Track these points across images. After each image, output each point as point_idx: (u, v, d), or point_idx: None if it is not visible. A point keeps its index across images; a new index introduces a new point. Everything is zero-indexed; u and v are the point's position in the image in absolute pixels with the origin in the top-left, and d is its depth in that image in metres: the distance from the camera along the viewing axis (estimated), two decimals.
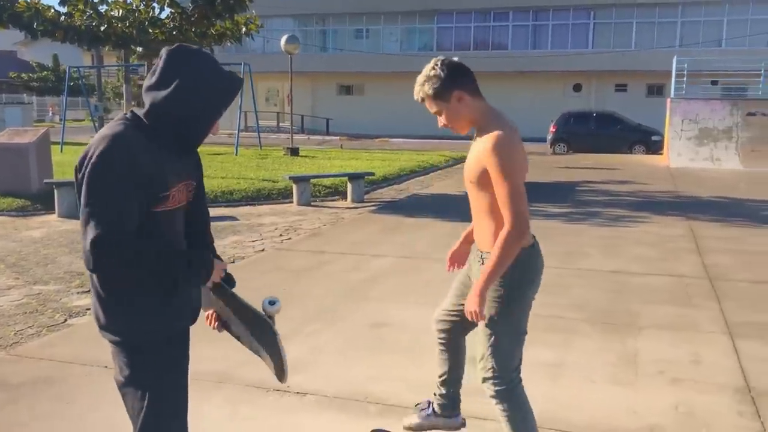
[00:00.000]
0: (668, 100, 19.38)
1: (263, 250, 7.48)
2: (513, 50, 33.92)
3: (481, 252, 2.71)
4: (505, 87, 33.35)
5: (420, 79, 2.60)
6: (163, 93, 1.95)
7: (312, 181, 11.56)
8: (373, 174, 12.74)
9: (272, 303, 2.26)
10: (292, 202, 10.97)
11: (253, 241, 7.92)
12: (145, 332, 2.07)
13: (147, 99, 1.99)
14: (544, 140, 23.89)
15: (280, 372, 2.29)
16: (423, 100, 2.63)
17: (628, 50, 31.91)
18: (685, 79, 19.53)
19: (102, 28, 14.76)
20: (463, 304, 2.76)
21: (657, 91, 32.06)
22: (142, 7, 15.15)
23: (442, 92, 2.56)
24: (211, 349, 3.69)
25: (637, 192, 12.26)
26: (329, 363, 4.14)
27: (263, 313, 2.25)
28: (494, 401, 2.73)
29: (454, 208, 10.30)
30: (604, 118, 24.18)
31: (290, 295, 5.51)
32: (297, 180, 11.01)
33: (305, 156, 19.10)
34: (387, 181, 14.02)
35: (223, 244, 7.66)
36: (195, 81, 1.96)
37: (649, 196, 11.76)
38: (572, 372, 4.03)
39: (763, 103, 18.52)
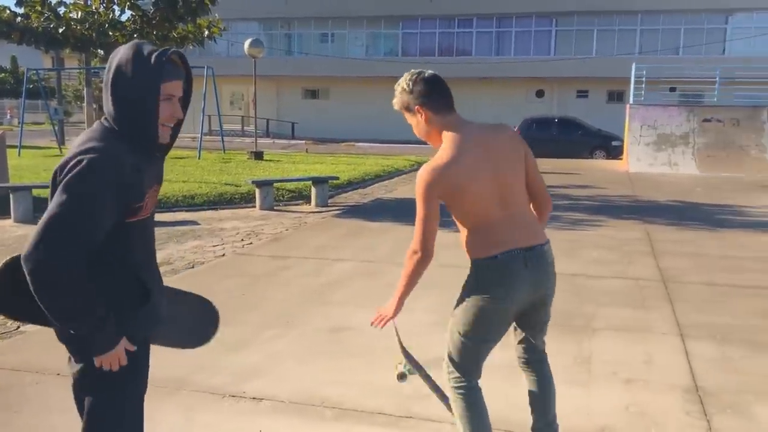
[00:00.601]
0: (627, 106, 19.76)
1: (224, 255, 7.42)
2: (477, 56, 34.25)
3: None
4: (470, 93, 33.63)
5: (395, 89, 2.70)
6: (110, 97, 1.97)
7: (276, 185, 11.52)
8: (337, 178, 12.73)
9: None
10: (254, 206, 10.91)
11: (213, 246, 7.85)
12: None
13: (106, 106, 2.00)
14: None
15: (215, 316, 2.29)
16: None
17: (589, 57, 32.46)
18: (643, 85, 19.95)
19: (60, 30, 14.51)
20: (525, 332, 2.92)
21: (617, 97, 32.67)
22: (102, 9, 14.94)
23: (408, 106, 2.66)
24: (164, 356, 3.64)
25: (596, 196, 12.48)
26: (286, 368, 4.13)
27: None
28: (449, 393, 2.84)
29: None
30: (566, 123, 24.53)
31: (249, 301, 5.48)
32: (260, 184, 10.96)
33: (269, 160, 19.00)
34: (351, 185, 14.03)
35: (183, 249, 7.58)
36: (122, 74, 1.95)
37: (607, 200, 11.97)
38: (517, 373, 4.07)
39: (718, 110, 19.01)
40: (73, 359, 2.07)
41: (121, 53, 1.99)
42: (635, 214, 10.47)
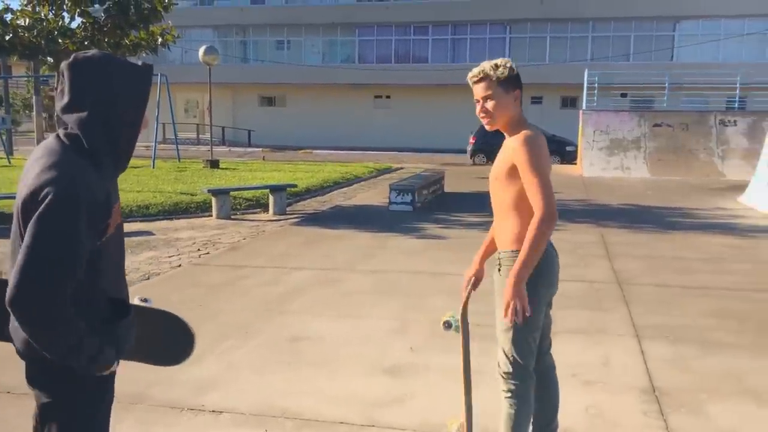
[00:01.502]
0: (581, 111, 20.15)
1: (180, 265, 7.30)
2: (433, 63, 34.51)
3: (499, 253, 2.82)
4: (426, 99, 33.92)
5: (490, 63, 2.70)
6: (85, 111, 1.84)
7: (232, 193, 11.39)
8: (295, 186, 12.66)
9: (145, 300, 2.24)
10: (211, 215, 10.76)
11: (169, 257, 7.72)
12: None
13: (71, 122, 1.85)
14: (464, 152, 24.36)
15: (188, 333, 2.23)
16: (481, 79, 2.69)
17: (543, 64, 33.01)
18: (596, 91, 20.37)
19: (7, 38, 14.12)
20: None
21: (570, 103, 33.28)
22: (51, 16, 14.59)
23: (508, 83, 2.69)
24: (120, 370, 3.56)
25: None
26: (245, 379, 4.07)
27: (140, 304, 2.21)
28: (505, 395, 2.83)
29: (377, 219, 10.36)
30: None
31: (206, 312, 5.40)
32: (216, 193, 10.82)
33: (226, 168, 18.79)
34: (310, 192, 13.97)
35: (138, 261, 7.43)
36: (109, 87, 1.85)
37: (562, 205, 12.15)
38: (488, 377, 4.10)
39: (667, 115, 19.52)
40: (36, 381, 1.96)
41: (104, 65, 1.87)
42: (590, 217, 10.66)
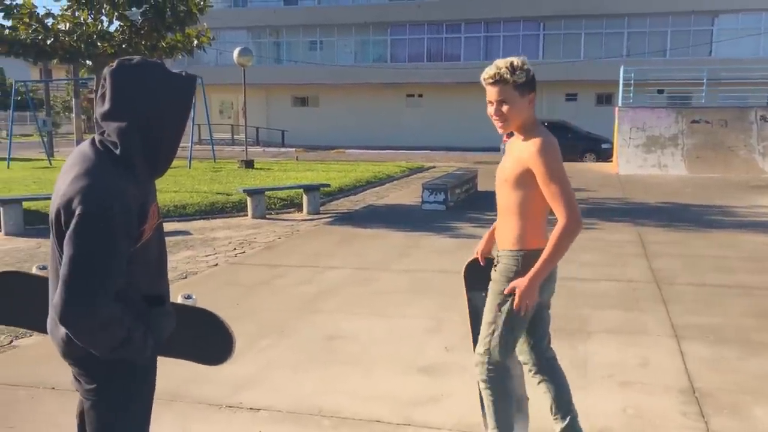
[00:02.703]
0: (616, 108, 19.87)
1: (216, 264, 7.40)
2: (465, 61, 34.35)
3: (498, 251, 2.85)
4: (459, 97, 33.76)
5: (505, 63, 2.62)
6: (125, 120, 1.83)
7: (267, 193, 11.50)
8: (328, 185, 12.73)
9: (188, 297, 2.27)
10: (246, 215, 10.89)
11: (206, 256, 7.83)
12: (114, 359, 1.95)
13: (110, 129, 1.85)
14: (496, 150, 24.22)
15: (229, 339, 2.27)
16: (497, 82, 2.61)
17: (578, 60, 32.63)
18: (632, 88, 20.07)
19: (48, 42, 14.46)
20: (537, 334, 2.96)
21: (606, 100, 32.83)
22: (90, 20, 14.90)
23: (524, 86, 2.63)
24: (160, 366, 3.63)
25: (587, 199, 12.51)
26: (282, 377, 4.12)
27: (184, 304, 2.25)
28: (482, 386, 2.90)
29: (409, 218, 10.36)
30: (555, 126, 24.54)
31: (243, 310, 5.46)
32: (251, 193, 10.94)
33: (260, 168, 18.98)
34: (343, 192, 14.03)
35: (175, 260, 7.55)
36: (152, 97, 1.84)
37: (598, 203, 12.01)
38: (524, 377, 4.07)
39: (706, 111, 19.14)
40: (83, 380, 2.00)
41: (148, 72, 1.86)
42: (626, 216, 10.52)
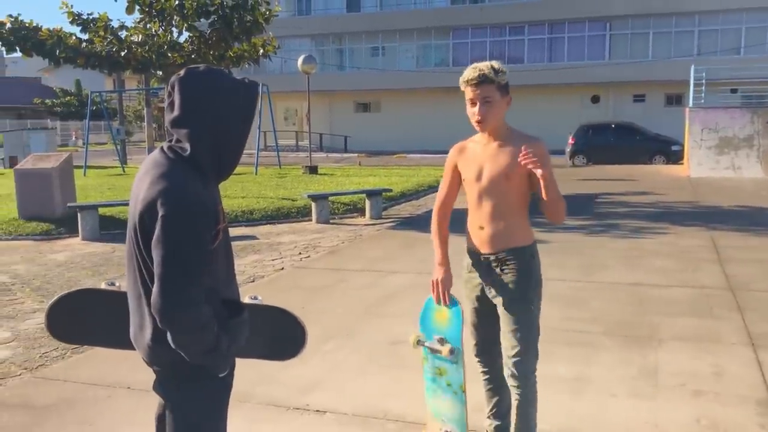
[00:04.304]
0: (687, 109, 19.24)
1: (282, 268, 7.53)
2: (529, 64, 33.92)
3: (495, 253, 2.84)
4: (523, 100, 33.22)
5: (488, 66, 2.73)
6: (194, 125, 1.91)
7: (330, 198, 11.64)
8: (390, 190, 12.79)
9: (255, 298, 2.34)
10: (311, 220, 11.05)
11: (272, 260, 7.98)
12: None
13: (180, 135, 1.94)
14: (562, 153, 23.81)
15: (301, 331, 2.33)
16: (482, 82, 2.71)
17: (646, 60, 31.78)
18: (703, 88, 19.38)
19: (122, 54, 15.04)
20: (492, 328, 2.95)
21: (675, 100, 31.84)
22: (160, 31, 15.42)
23: (504, 88, 2.77)
24: None
25: (657, 203, 12.17)
26: (348, 380, 4.16)
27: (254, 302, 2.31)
28: (518, 389, 2.86)
29: None
30: (623, 129, 24.03)
31: (309, 313, 5.55)
32: (315, 198, 11.09)
33: (324, 174, 19.22)
34: (405, 197, 14.06)
35: (243, 264, 7.73)
36: (218, 103, 1.92)
37: (669, 207, 11.66)
38: (593, 386, 4.01)
39: None
40: (168, 385, 2.06)
41: (214, 80, 1.94)
42: (698, 220, 10.17)
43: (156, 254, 1.84)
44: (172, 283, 1.82)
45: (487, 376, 3.07)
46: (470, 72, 2.73)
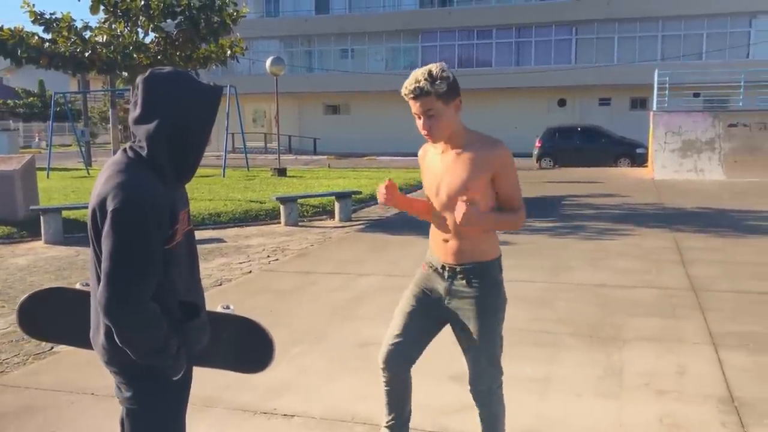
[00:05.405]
0: (651, 112, 19.59)
1: (251, 271, 7.48)
2: (497, 67, 34.23)
3: (461, 264, 2.70)
4: (491, 103, 33.62)
5: (423, 74, 2.50)
6: (153, 125, 1.92)
7: (299, 201, 11.59)
8: (360, 192, 12.78)
9: (227, 307, 2.33)
10: (279, 222, 10.98)
11: (240, 263, 7.92)
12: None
13: (139, 134, 1.95)
14: (529, 155, 24.06)
15: (270, 346, 2.33)
16: (418, 96, 2.50)
17: (611, 65, 32.28)
18: (667, 92, 19.75)
19: (86, 54, 14.78)
20: (417, 335, 2.96)
21: (640, 104, 32.41)
22: (126, 32, 15.20)
23: (448, 95, 2.51)
24: (195, 372, 3.68)
25: (622, 205, 12.36)
26: (316, 384, 4.14)
27: (222, 312, 2.30)
28: (484, 405, 2.85)
29: None
30: (589, 132, 24.37)
31: (277, 316, 5.51)
32: (284, 200, 11.03)
33: (293, 176, 19.14)
34: (374, 199, 14.04)
35: (210, 267, 7.65)
36: (179, 104, 1.93)
37: (633, 209, 11.85)
38: (558, 386, 4.05)
39: (743, 114, 18.75)
40: (123, 387, 2.07)
41: (177, 82, 1.96)
42: (662, 222, 10.36)
43: (104, 248, 1.85)
44: (117, 278, 1.82)
45: (389, 387, 3.00)
46: (407, 82, 2.52)
